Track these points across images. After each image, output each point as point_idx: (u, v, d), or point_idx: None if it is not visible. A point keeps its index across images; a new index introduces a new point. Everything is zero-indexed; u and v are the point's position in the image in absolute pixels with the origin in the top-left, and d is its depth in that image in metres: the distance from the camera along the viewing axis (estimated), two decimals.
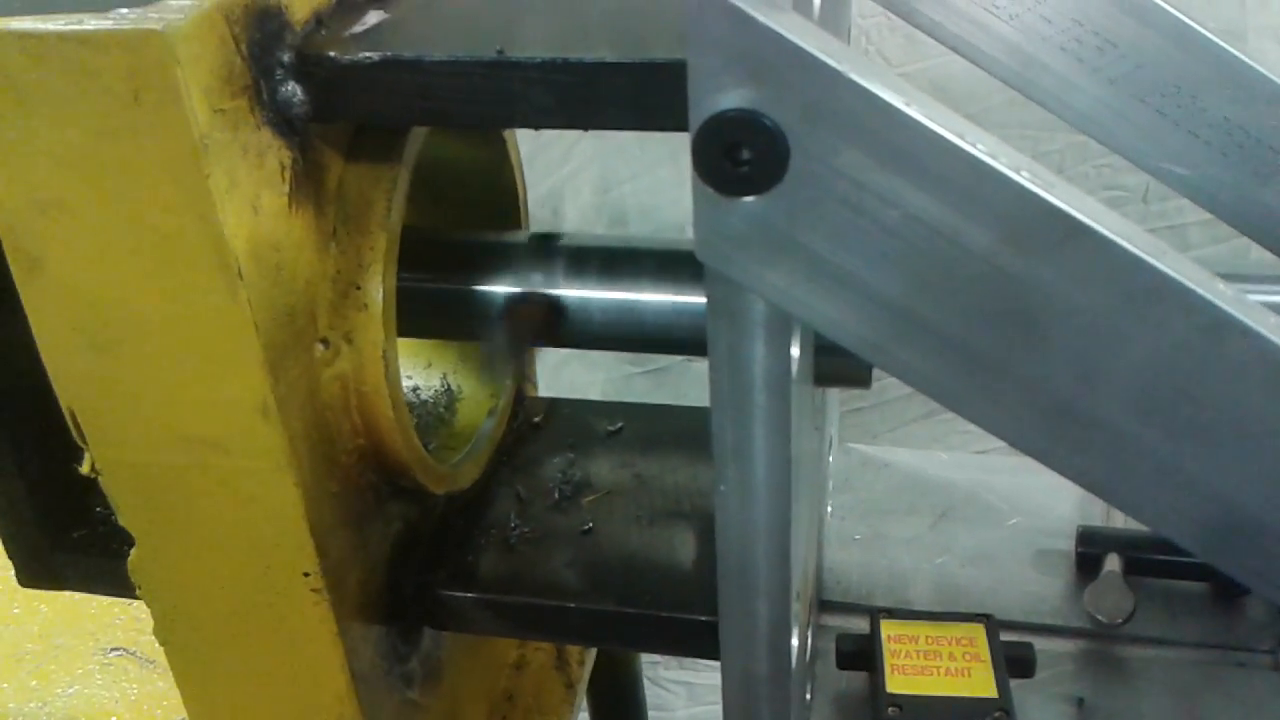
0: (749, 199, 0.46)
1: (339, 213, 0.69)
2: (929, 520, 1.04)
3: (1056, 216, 0.44)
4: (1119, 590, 0.90)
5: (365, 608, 0.77)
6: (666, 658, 1.89)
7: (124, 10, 0.56)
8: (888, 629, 0.85)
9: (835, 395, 1.02)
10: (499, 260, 0.80)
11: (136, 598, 0.76)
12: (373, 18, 0.66)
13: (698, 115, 0.45)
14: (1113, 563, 0.93)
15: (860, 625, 0.89)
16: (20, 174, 0.59)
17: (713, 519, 0.60)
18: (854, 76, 0.43)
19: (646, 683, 1.48)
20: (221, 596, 0.73)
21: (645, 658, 1.55)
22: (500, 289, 0.79)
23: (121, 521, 0.72)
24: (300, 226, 0.66)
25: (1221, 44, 0.81)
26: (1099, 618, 0.90)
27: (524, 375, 1.00)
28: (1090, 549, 0.95)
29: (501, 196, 0.89)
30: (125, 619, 1.19)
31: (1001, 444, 0.51)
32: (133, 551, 0.73)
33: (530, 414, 0.99)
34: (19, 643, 1.18)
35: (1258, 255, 0.94)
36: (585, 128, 0.60)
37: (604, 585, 0.81)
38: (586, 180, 1.68)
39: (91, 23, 0.55)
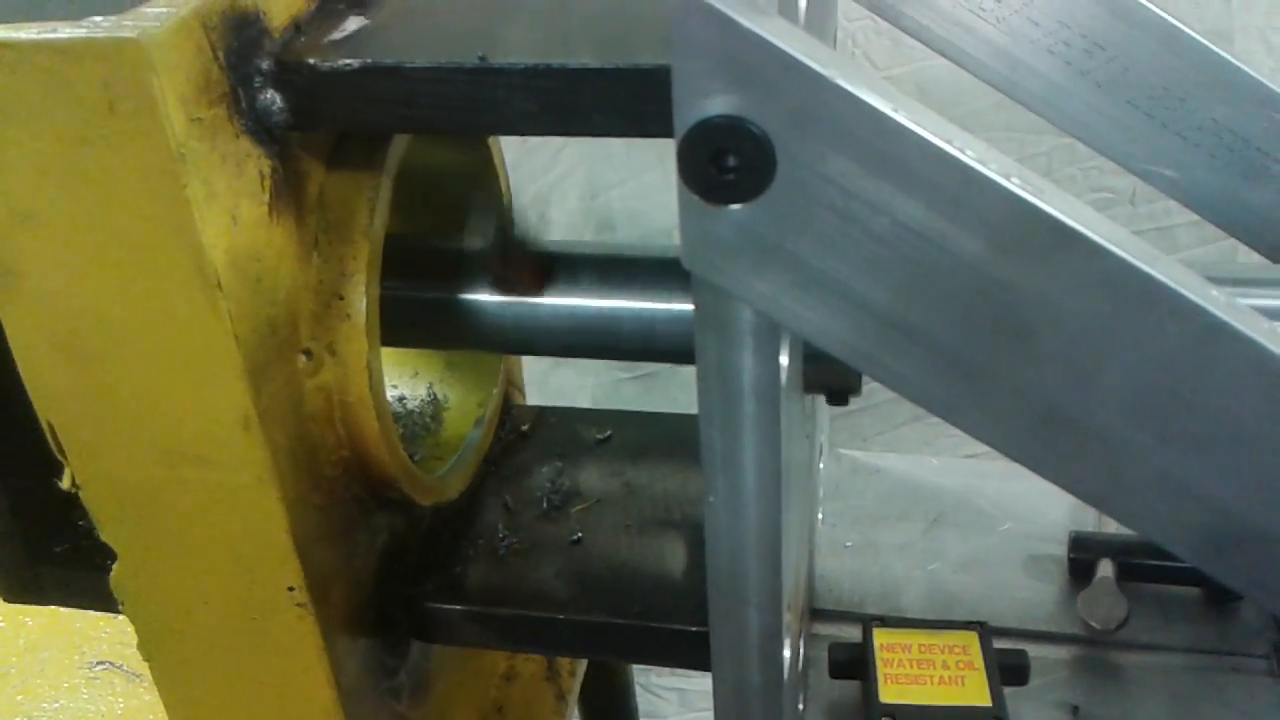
0: (736, 207, 0.45)
1: (320, 222, 0.68)
2: (921, 527, 1.04)
3: (1047, 223, 0.43)
4: (1112, 596, 0.90)
5: (351, 621, 0.76)
6: None
7: (99, 19, 0.55)
8: (880, 637, 0.84)
9: (824, 400, 1.01)
10: (484, 268, 0.79)
11: (120, 612, 0.75)
12: (352, 24, 0.65)
13: (683, 122, 0.44)
14: (1105, 569, 0.92)
15: (852, 634, 0.89)
16: None
17: (703, 528, 0.59)
18: (841, 82, 0.42)
19: (639, 689, 1.48)
20: (205, 611, 0.72)
21: (637, 665, 1.55)
22: (485, 297, 0.78)
23: (103, 536, 0.71)
24: (281, 236, 0.65)
25: (1210, 46, 0.80)
26: (1092, 624, 0.89)
27: (511, 381, 0.99)
28: (1083, 555, 0.95)
29: (486, 204, 0.88)
30: (111, 632, 1.18)
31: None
32: (115, 566, 0.72)
33: (518, 423, 0.98)
34: (3, 657, 1.17)
35: (1245, 257, 0.94)
36: (569, 134, 0.60)
37: (594, 596, 0.80)
38: (573, 185, 1.67)
39: (66, 31, 0.54)
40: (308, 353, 0.68)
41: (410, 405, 0.93)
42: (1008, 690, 0.80)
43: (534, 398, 1.04)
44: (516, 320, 0.79)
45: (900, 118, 0.42)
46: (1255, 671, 0.89)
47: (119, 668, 1.16)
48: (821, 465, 1.06)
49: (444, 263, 0.80)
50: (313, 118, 0.62)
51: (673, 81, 0.43)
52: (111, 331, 0.62)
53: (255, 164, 0.62)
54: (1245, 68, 0.80)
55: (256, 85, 0.60)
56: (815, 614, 0.96)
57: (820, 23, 0.66)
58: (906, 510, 1.06)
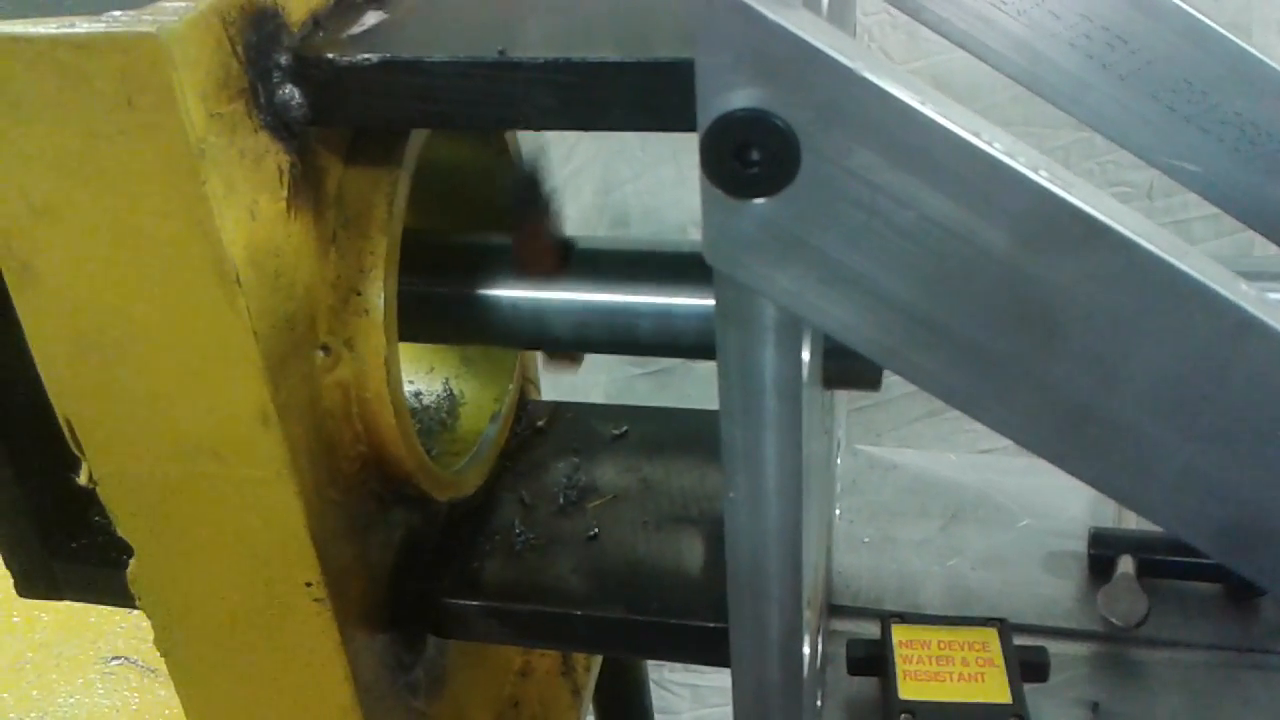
0: (759, 201, 0.45)
1: (339, 217, 0.68)
2: (939, 522, 1.03)
3: (1076, 216, 0.43)
4: (1133, 593, 0.89)
5: (368, 617, 0.76)
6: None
7: (117, 12, 0.55)
8: (899, 634, 0.84)
9: (843, 396, 1.01)
10: (501, 263, 0.78)
11: (136, 608, 0.75)
12: (371, 18, 0.64)
13: (706, 115, 0.43)
14: (1126, 565, 0.92)
15: (870, 630, 0.88)
16: (12, 179, 0.58)
17: (721, 523, 0.59)
18: (867, 74, 0.42)
19: (652, 685, 1.47)
20: (222, 607, 0.72)
21: (651, 661, 1.54)
22: (502, 292, 0.78)
23: (120, 532, 0.71)
24: (299, 231, 0.65)
25: (1233, 39, 0.80)
26: (1113, 621, 0.89)
27: (526, 376, 0.99)
28: (1103, 551, 0.94)
29: (503, 198, 0.88)
30: (127, 627, 1.18)
31: (1007, 442, 0.50)
32: (132, 562, 0.72)
33: (534, 418, 0.98)
34: (20, 652, 1.17)
35: (1261, 250, 0.93)
36: (589, 129, 0.59)
37: (611, 592, 0.80)
38: (588, 180, 1.67)
39: (84, 25, 0.54)
40: (325, 348, 0.68)
41: (426, 401, 0.93)
42: (1027, 687, 0.80)
43: (547, 394, 1.04)
44: (533, 315, 0.78)
45: (927, 110, 0.42)
46: (1277, 668, 0.88)
47: (135, 663, 1.16)
48: (838, 460, 1.06)
49: (461, 258, 0.80)
50: (331, 112, 0.62)
51: (696, 74, 0.43)
52: (129, 327, 0.62)
53: (274, 159, 0.62)
54: (1270, 61, 0.79)
55: (275, 80, 0.60)
56: (833, 610, 0.96)
57: (841, 15, 0.66)
58: (925, 506, 1.05)
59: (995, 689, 0.79)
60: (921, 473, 1.09)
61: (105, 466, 0.68)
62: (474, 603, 0.81)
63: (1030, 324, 0.45)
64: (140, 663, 1.15)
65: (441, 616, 0.81)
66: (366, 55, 0.60)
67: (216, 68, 0.56)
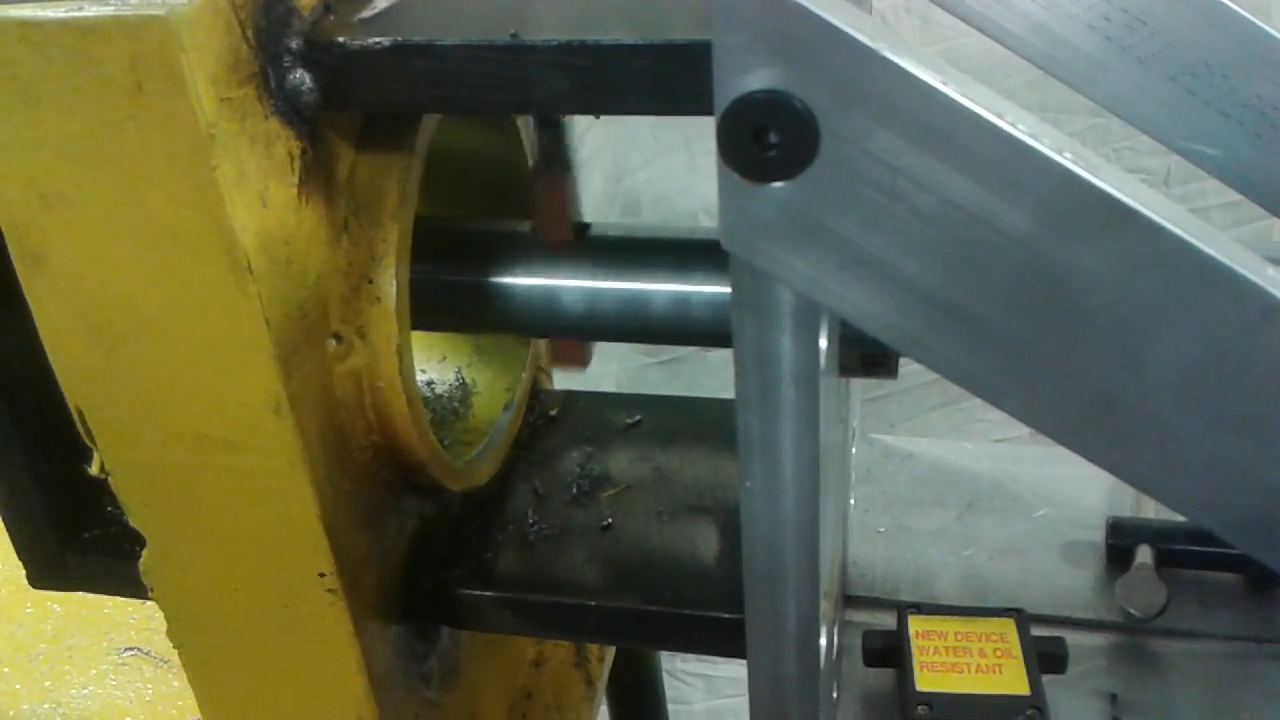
0: (777, 184, 0.44)
1: (350, 204, 0.67)
2: (955, 512, 1.02)
3: (1101, 200, 0.42)
4: (1151, 583, 0.88)
5: (382, 607, 0.75)
6: None
7: None
8: (915, 625, 0.83)
9: (857, 385, 1.00)
10: (514, 251, 0.78)
11: (149, 599, 0.74)
12: (382, 2, 0.64)
13: (723, 97, 0.43)
14: (1144, 555, 0.91)
15: (886, 621, 0.87)
16: (22, 166, 0.58)
17: (735, 513, 0.58)
18: (889, 54, 0.41)
19: (664, 676, 1.47)
20: (235, 598, 0.72)
21: (664, 651, 1.54)
22: (515, 280, 0.78)
23: (132, 522, 0.71)
24: (311, 218, 0.64)
25: (1254, 21, 0.79)
26: (1131, 611, 0.88)
27: (539, 365, 0.98)
28: (1121, 541, 0.93)
29: (514, 185, 0.87)
30: (139, 618, 1.18)
31: (1022, 433, 0.49)
32: (144, 552, 0.72)
33: (546, 407, 0.98)
34: (32, 643, 1.17)
35: None
36: (604, 113, 0.59)
37: (625, 583, 0.79)
38: (598, 168, 1.66)
39: (93, 9, 0.53)
40: (337, 336, 0.68)
41: (439, 390, 0.92)
42: (1046, 678, 0.79)
43: (559, 383, 1.03)
44: (546, 303, 0.78)
45: (950, 91, 0.41)
46: None
47: (147, 654, 1.16)
48: (853, 450, 1.05)
49: (473, 245, 0.79)
50: (342, 97, 0.62)
51: (713, 55, 0.42)
52: (140, 315, 0.62)
53: (285, 145, 0.61)
54: None
55: (286, 65, 0.59)
56: (848, 601, 0.95)
57: None
58: (940, 496, 1.04)
59: (1013, 680, 0.78)
60: (937, 462, 1.08)
61: (117, 456, 0.68)
62: (487, 593, 0.80)
63: (1054, 310, 0.45)
64: (153, 654, 1.15)
65: (455, 607, 0.81)
66: (378, 39, 0.59)
67: (226, 52, 0.56)
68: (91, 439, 0.68)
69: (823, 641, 0.65)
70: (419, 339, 0.85)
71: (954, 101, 0.41)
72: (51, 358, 0.65)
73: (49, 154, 0.57)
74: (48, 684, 1.13)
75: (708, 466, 0.89)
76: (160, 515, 0.70)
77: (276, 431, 0.64)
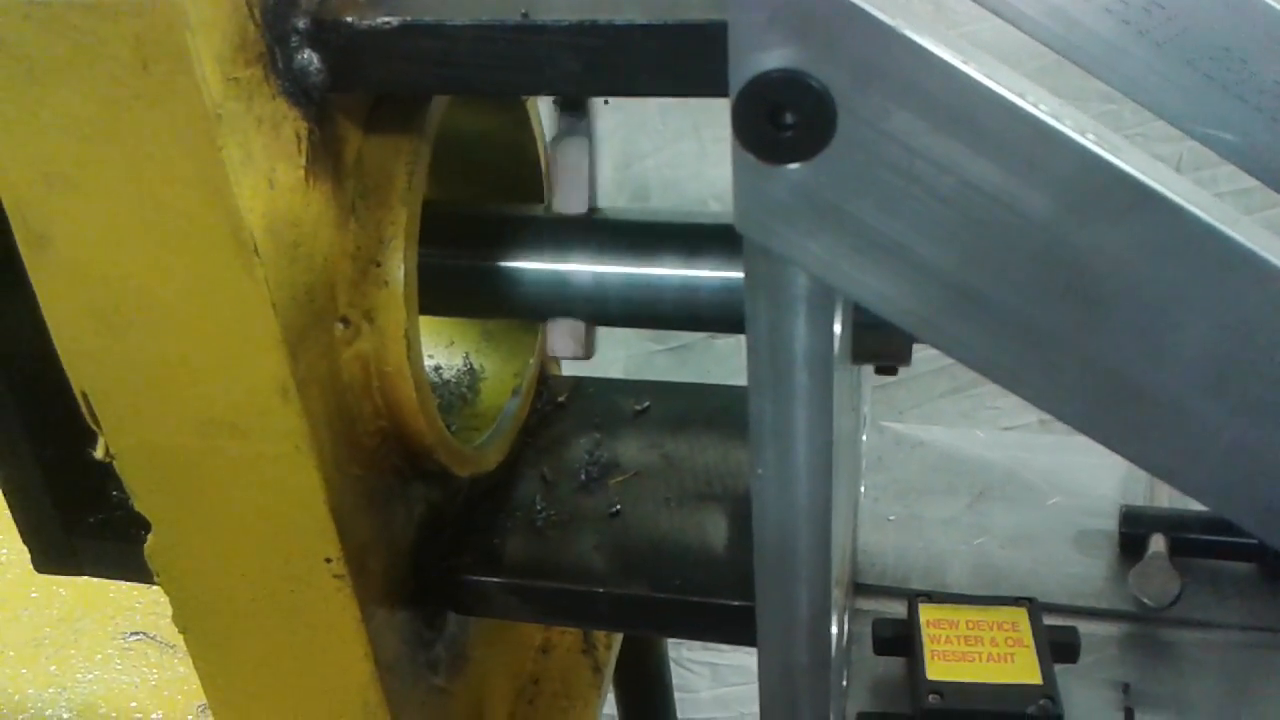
0: (793, 166, 0.43)
1: (358, 186, 0.67)
2: (966, 500, 1.02)
3: (1124, 182, 0.41)
4: (1165, 572, 0.88)
5: (389, 593, 0.75)
6: None
7: None
8: (926, 613, 0.82)
9: (868, 371, 0.99)
10: (522, 235, 0.77)
11: (154, 584, 0.74)
12: None
13: (739, 77, 0.42)
14: (1158, 544, 0.90)
15: (897, 609, 0.87)
16: (26, 147, 0.57)
17: (745, 500, 0.58)
18: (908, 33, 0.40)
19: (670, 664, 1.47)
20: (241, 583, 0.71)
21: (670, 639, 1.54)
22: (523, 264, 0.77)
23: (138, 507, 0.70)
24: (318, 201, 0.63)
25: (1273, 5, 0.77)
26: (1144, 600, 0.87)
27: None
28: (1134, 530, 0.93)
29: (523, 169, 0.87)
30: (145, 603, 1.18)
31: (1031, 420, 0.49)
32: (150, 537, 0.71)
33: (555, 393, 0.97)
34: (38, 628, 1.17)
35: None
36: (614, 94, 0.58)
37: (634, 570, 0.79)
38: (607, 154, 1.65)
39: None
40: (345, 321, 0.67)
41: (447, 375, 0.92)
42: (1058, 668, 0.79)
43: (566, 370, 1.02)
44: (555, 287, 0.77)
45: (970, 70, 0.40)
46: None
47: (153, 638, 1.15)
48: (864, 437, 1.04)
49: (482, 229, 0.79)
50: (350, 78, 0.61)
51: (729, 34, 0.41)
52: (146, 298, 0.61)
53: (292, 126, 0.60)
54: None
55: (293, 44, 0.59)
56: (859, 589, 0.95)
57: None
58: (951, 484, 1.04)
59: (1025, 670, 0.78)
60: (948, 450, 1.07)
61: (122, 441, 0.67)
62: (495, 580, 0.80)
63: (1074, 294, 0.44)
64: (159, 638, 1.15)
65: (462, 593, 0.81)
66: (386, 19, 0.58)
67: (233, 31, 0.55)
68: (97, 423, 0.67)
69: (833, 630, 0.64)
70: (427, 323, 0.84)
71: (975, 81, 0.40)
72: (56, 341, 0.64)
73: (53, 134, 0.56)
74: (53, 668, 1.13)
75: (717, 453, 0.89)
76: (166, 500, 0.69)
77: (283, 416, 0.63)
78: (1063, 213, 0.42)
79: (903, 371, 0.74)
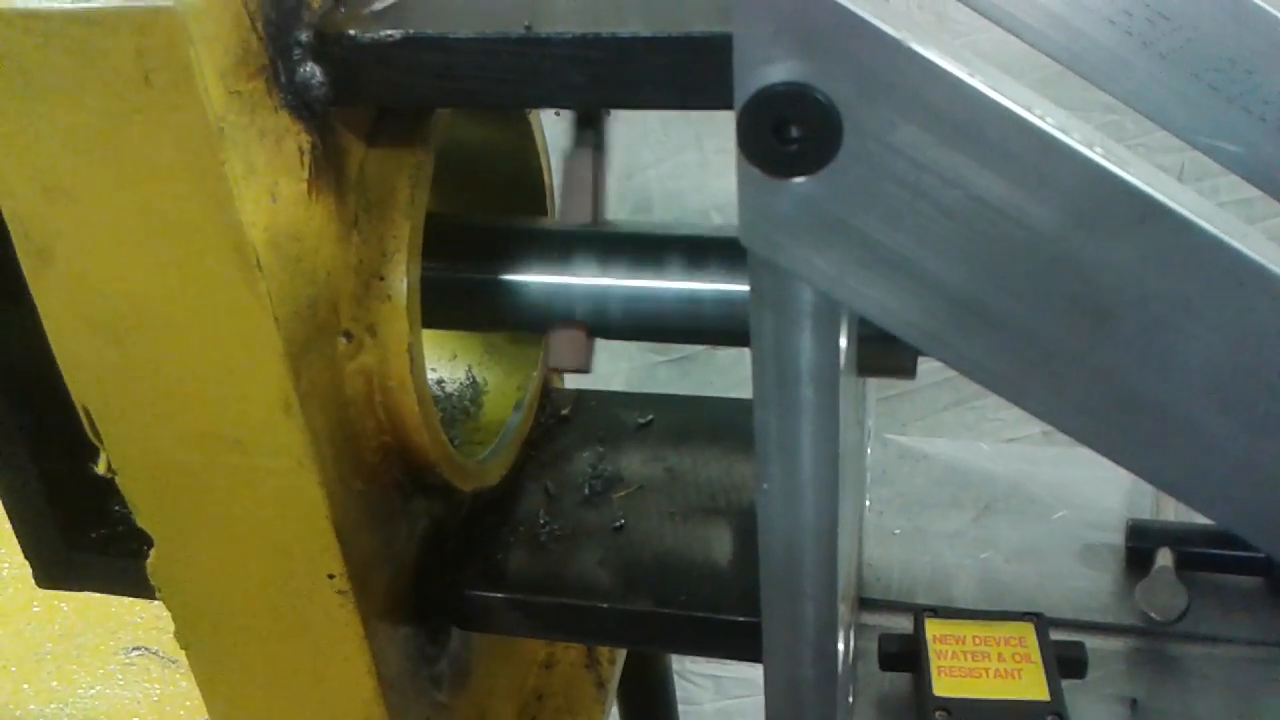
0: (798, 180, 0.43)
1: (360, 200, 0.67)
2: (971, 514, 1.01)
3: (1132, 196, 0.41)
4: (1171, 587, 0.87)
5: (392, 609, 0.74)
6: None
7: None
8: (932, 629, 0.82)
9: (872, 384, 0.99)
10: (526, 247, 0.77)
11: (156, 599, 0.73)
12: None
13: (744, 90, 0.42)
14: (1164, 558, 0.89)
15: (903, 624, 0.86)
16: (27, 161, 0.57)
17: (749, 515, 0.57)
18: (914, 46, 0.40)
19: (674, 676, 1.46)
20: (244, 599, 0.71)
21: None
22: (526, 277, 0.76)
23: (140, 522, 0.70)
24: (321, 215, 0.63)
25: (1278, 16, 0.77)
26: (1151, 615, 0.87)
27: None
28: (1141, 544, 0.92)
29: (526, 181, 0.86)
30: (147, 617, 1.17)
31: (1035, 431, 0.48)
32: (152, 552, 0.71)
33: (557, 406, 0.97)
34: (40, 642, 1.17)
35: None
36: (618, 106, 0.57)
37: (638, 585, 0.78)
38: (609, 165, 1.65)
39: (99, 0, 0.52)
40: (348, 334, 0.67)
41: (449, 389, 0.92)
42: (1065, 683, 0.78)
43: (568, 383, 1.02)
44: (558, 300, 0.77)
45: (977, 83, 0.40)
46: None
47: (155, 654, 1.15)
48: (869, 450, 1.04)
49: (485, 242, 0.78)
50: (353, 91, 0.60)
51: (734, 47, 0.41)
52: (148, 313, 0.61)
53: (294, 140, 0.60)
54: None
55: (296, 58, 0.59)
56: (864, 604, 0.94)
57: None
58: (956, 497, 1.03)
59: (1032, 685, 0.77)
60: (953, 463, 1.07)
61: (124, 455, 0.67)
62: (498, 595, 0.79)
63: (1081, 308, 0.44)
64: (161, 653, 1.15)
65: (466, 609, 0.80)
66: (389, 32, 0.58)
67: (235, 44, 0.55)
68: (98, 437, 0.67)
69: (840, 645, 0.64)
70: (429, 337, 0.84)
71: (981, 94, 0.40)
72: (57, 355, 0.64)
73: (55, 148, 0.56)
74: (55, 683, 1.12)
75: (720, 467, 0.88)
76: (168, 515, 0.69)
77: (286, 430, 0.63)
78: (1070, 226, 0.42)
79: (905, 384, 0.74)
